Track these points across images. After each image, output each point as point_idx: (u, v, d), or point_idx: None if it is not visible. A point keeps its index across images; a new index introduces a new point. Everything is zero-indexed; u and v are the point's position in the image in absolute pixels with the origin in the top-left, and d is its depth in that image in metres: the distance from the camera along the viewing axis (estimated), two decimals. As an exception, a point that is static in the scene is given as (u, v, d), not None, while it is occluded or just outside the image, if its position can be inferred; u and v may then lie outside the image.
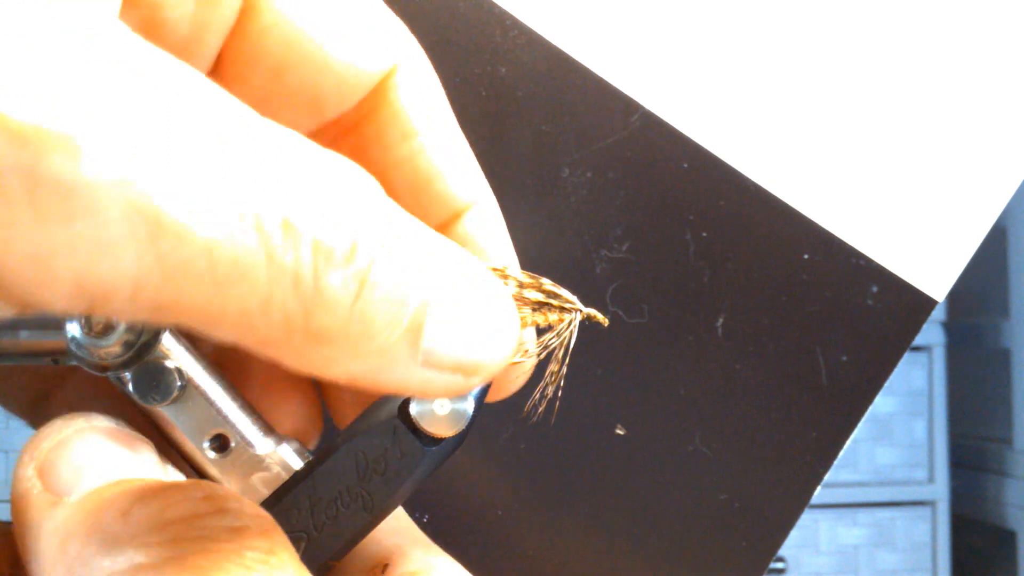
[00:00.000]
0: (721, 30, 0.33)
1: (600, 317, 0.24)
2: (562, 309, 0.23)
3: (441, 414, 0.22)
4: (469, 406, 0.22)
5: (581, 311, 0.23)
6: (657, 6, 0.33)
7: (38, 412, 0.25)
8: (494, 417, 0.32)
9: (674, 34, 0.33)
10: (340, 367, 0.18)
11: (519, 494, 0.32)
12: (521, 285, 0.23)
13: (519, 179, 0.32)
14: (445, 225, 0.25)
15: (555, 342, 0.23)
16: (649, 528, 0.33)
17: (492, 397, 0.23)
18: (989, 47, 0.33)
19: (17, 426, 1.18)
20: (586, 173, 0.32)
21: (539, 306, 0.23)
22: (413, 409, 0.22)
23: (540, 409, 0.24)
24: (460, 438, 0.23)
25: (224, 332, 0.17)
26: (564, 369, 0.24)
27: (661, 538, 0.33)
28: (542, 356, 0.24)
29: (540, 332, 0.23)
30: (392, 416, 0.22)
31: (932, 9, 0.33)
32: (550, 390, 0.24)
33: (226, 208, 0.15)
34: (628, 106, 0.32)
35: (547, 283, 0.23)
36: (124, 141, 0.14)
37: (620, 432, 0.33)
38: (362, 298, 0.17)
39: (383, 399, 0.23)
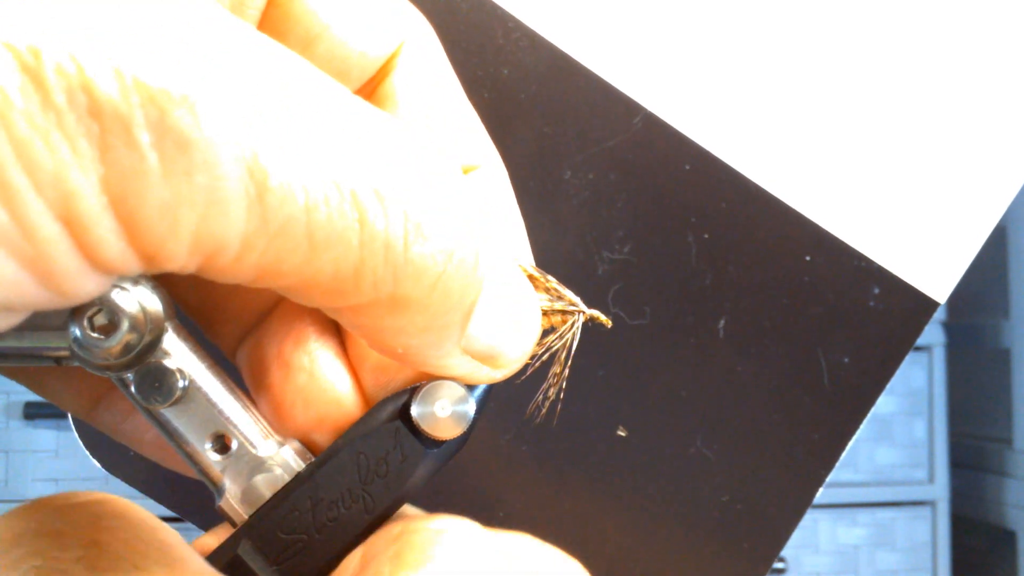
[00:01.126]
0: (723, 32, 0.33)
1: (603, 319, 0.24)
2: (564, 312, 0.23)
3: (442, 416, 0.22)
4: (471, 408, 0.22)
5: (584, 313, 0.23)
6: (659, 8, 0.33)
7: (95, 414, 0.25)
8: (496, 419, 0.32)
9: (676, 36, 0.33)
10: (406, 338, 0.20)
11: (521, 496, 0.32)
12: (532, 279, 0.23)
13: (521, 181, 0.32)
14: None
15: (558, 344, 0.23)
16: (651, 530, 0.33)
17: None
18: (989, 49, 0.33)
19: (17, 426, 1.18)
20: (588, 175, 0.32)
21: (544, 311, 0.23)
22: (415, 411, 0.22)
23: (543, 411, 0.25)
24: (462, 440, 0.23)
25: (316, 296, 0.18)
26: (566, 371, 0.24)
27: (663, 539, 0.33)
28: (545, 358, 0.24)
29: (544, 333, 0.24)
30: (394, 418, 0.22)
31: (933, 11, 0.33)
32: (552, 391, 0.24)
33: (325, 174, 0.17)
34: (630, 108, 0.32)
35: (553, 282, 0.23)
36: (239, 105, 0.16)
37: (622, 434, 0.32)
38: (447, 273, 0.19)
39: (384, 401, 0.23)
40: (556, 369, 0.24)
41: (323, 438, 0.23)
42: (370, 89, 0.24)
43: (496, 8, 0.32)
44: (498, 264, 0.21)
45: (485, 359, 0.21)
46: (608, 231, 0.33)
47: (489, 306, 0.21)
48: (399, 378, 0.24)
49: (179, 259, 0.16)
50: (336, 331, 0.24)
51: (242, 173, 0.16)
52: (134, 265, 0.16)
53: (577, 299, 0.23)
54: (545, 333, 0.24)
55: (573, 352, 0.23)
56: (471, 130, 0.25)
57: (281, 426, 0.24)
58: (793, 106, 0.33)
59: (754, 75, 0.33)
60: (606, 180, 0.32)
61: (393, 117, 0.19)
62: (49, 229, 0.15)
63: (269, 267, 0.17)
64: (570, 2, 0.32)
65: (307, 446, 0.23)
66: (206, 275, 0.17)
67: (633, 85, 0.32)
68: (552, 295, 0.23)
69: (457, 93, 0.25)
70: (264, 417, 0.24)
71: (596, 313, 0.24)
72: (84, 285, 0.16)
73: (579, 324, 0.23)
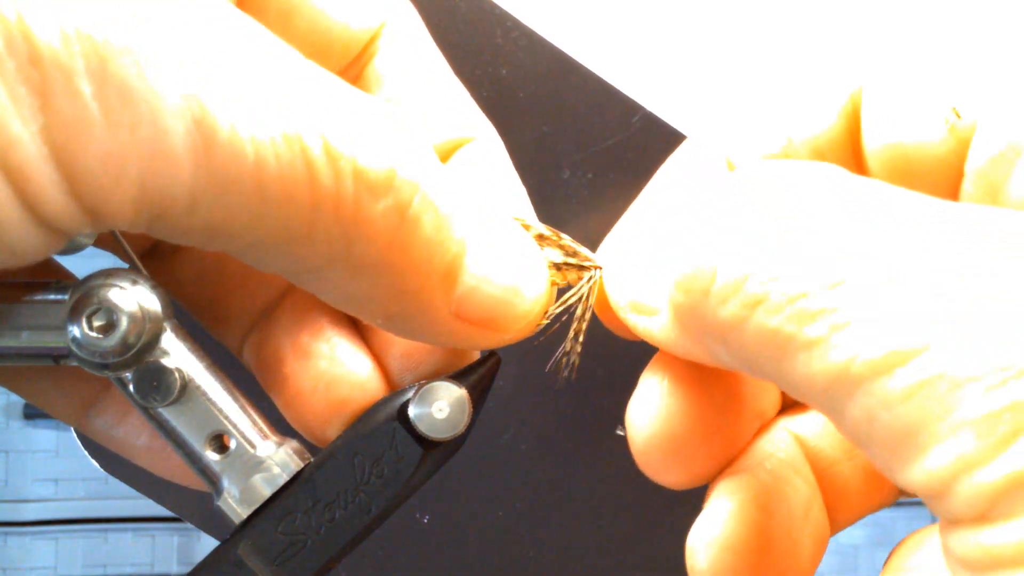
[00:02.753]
0: (721, 32, 0.33)
1: None
2: (581, 267, 0.23)
3: (440, 418, 0.22)
4: (468, 409, 0.22)
5: (600, 267, 0.23)
6: (658, 8, 0.33)
7: (85, 420, 0.25)
8: (495, 419, 0.32)
9: (675, 36, 0.33)
10: (378, 305, 0.19)
11: (519, 495, 0.32)
12: (541, 238, 0.23)
13: (521, 180, 0.32)
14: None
15: (575, 299, 0.23)
16: (650, 528, 0.33)
17: (515, 339, 0.23)
18: (990, 48, 0.33)
19: (17, 426, 1.18)
20: (587, 174, 0.32)
21: (559, 265, 0.23)
22: (412, 412, 0.22)
23: (564, 373, 0.24)
24: (458, 442, 0.23)
25: (270, 259, 0.18)
26: (584, 326, 0.23)
27: (662, 539, 0.33)
28: (564, 318, 0.23)
29: (560, 292, 0.23)
30: (392, 419, 0.22)
31: (932, 13, 0.33)
32: (572, 348, 0.24)
33: (273, 126, 0.16)
34: (629, 107, 0.32)
35: (566, 239, 0.23)
36: (185, 57, 0.16)
37: (620, 433, 0.32)
38: (402, 230, 0.18)
39: (382, 401, 0.23)
40: (576, 327, 0.24)
41: (344, 423, 0.23)
42: (356, 72, 0.24)
43: (495, 8, 0.32)
44: (492, 225, 0.20)
45: (485, 323, 0.20)
46: (607, 230, 0.33)
47: (480, 267, 0.20)
48: (427, 362, 0.23)
49: (125, 214, 0.16)
50: (351, 321, 0.24)
51: (188, 126, 0.16)
52: (79, 221, 0.16)
53: (593, 255, 0.23)
54: (562, 292, 0.23)
55: (591, 308, 0.23)
56: (462, 104, 0.25)
57: (300, 415, 0.24)
58: (792, 107, 0.33)
59: (753, 75, 0.33)
60: (605, 179, 0.32)
61: (340, 79, 0.18)
62: None
63: (219, 225, 0.17)
64: (570, 2, 0.32)
65: (326, 435, 0.23)
66: (156, 234, 0.17)
67: (632, 85, 0.32)
68: (567, 251, 0.23)
69: (443, 70, 0.25)
70: (283, 408, 0.24)
71: None
72: (30, 240, 0.16)
73: (596, 278, 0.23)
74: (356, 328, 0.24)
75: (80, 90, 0.15)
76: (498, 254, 0.20)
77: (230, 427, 0.22)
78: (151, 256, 0.25)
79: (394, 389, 0.24)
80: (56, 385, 0.25)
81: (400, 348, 0.24)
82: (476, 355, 0.24)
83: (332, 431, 0.23)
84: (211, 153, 0.16)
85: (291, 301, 0.24)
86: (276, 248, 0.17)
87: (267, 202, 0.17)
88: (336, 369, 0.23)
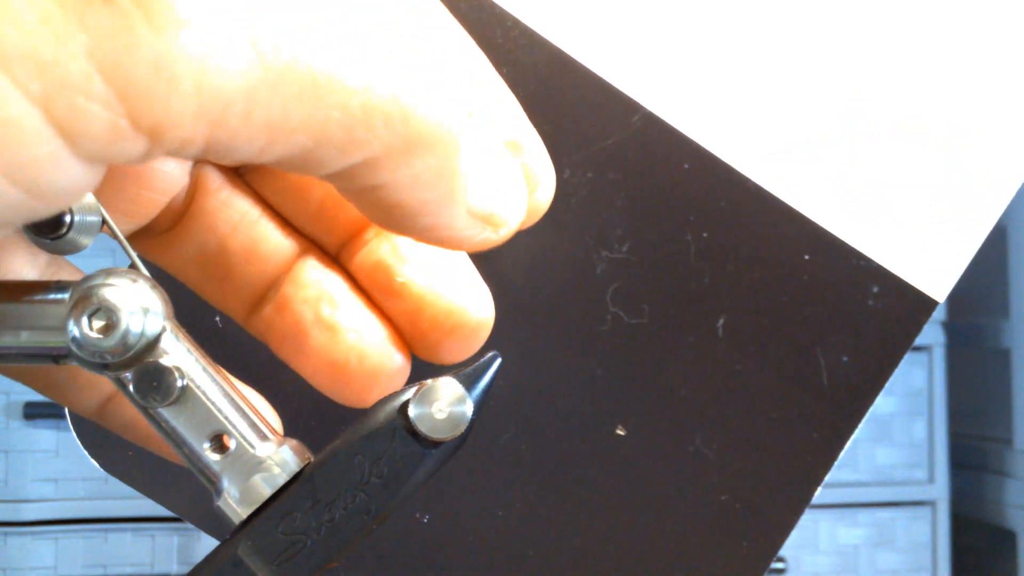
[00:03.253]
0: (722, 31, 0.33)
1: None
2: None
3: (440, 417, 0.22)
4: (468, 409, 0.22)
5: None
6: (658, 6, 0.33)
7: (103, 412, 0.25)
8: (495, 419, 0.32)
9: (675, 35, 0.33)
10: (422, 190, 0.20)
11: (519, 495, 0.32)
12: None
13: (520, 180, 0.32)
14: None
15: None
16: (649, 529, 0.33)
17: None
18: (990, 48, 0.33)
19: (17, 426, 1.18)
20: (587, 174, 0.32)
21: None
22: (412, 412, 0.22)
23: None
24: (460, 441, 0.23)
25: (331, 155, 0.18)
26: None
27: (661, 539, 0.33)
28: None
29: None
30: (392, 419, 0.22)
31: (933, 10, 0.33)
32: None
33: (319, 17, 0.17)
34: (629, 107, 0.32)
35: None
36: None
37: (620, 433, 0.32)
38: (451, 104, 0.19)
39: (382, 401, 0.23)
40: None
41: (383, 391, 0.24)
42: None
43: (495, 7, 0.32)
44: (484, 123, 0.21)
45: (487, 218, 0.21)
46: (606, 230, 0.33)
47: (486, 163, 0.21)
48: (432, 334, 0.24)
49: (186, 125, 0.16)
50: (364, 294, 0.25)
51: (231, 23, 0.16)
52: (132, 141, 0.16)
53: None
54: None
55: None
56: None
57: (335, 386, 0.24)
58: (792, 105, 0.33)
59: (753, 74, 0.33)
60: (605, 179, 0.32)
61: None
62: (18, 108, 0.14)
63: (279, 123, 0.17)
64: (569, 1, 0.32)
65: (367, 401, 0.24)
66: (215, 154, 0.17)
67: (632, 84, 0.32)
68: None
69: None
70: (312, 377, 0.24)
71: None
72: (70, 176, 0.16)
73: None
74: (376, 303, 0.25)
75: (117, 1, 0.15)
76: (499, 151, 0.22)
77: (230, 427, 0.22)
78: (146, 234, 0.25)
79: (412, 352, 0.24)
80: (72, 378, 0.25)
81: (407, 320, 0.24)
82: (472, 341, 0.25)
83: (374, 397, 0.24)
84: (258, 47, 0.16)
85: (302, 274, 0.25)
86: (336, 137, 0.18)
87: (320, 89, 0.17)
88: (366, 340, 0.24)
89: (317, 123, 0.17)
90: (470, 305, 0.24)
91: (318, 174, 0.19)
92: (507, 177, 0.22)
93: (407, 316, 0.24)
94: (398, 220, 0.21)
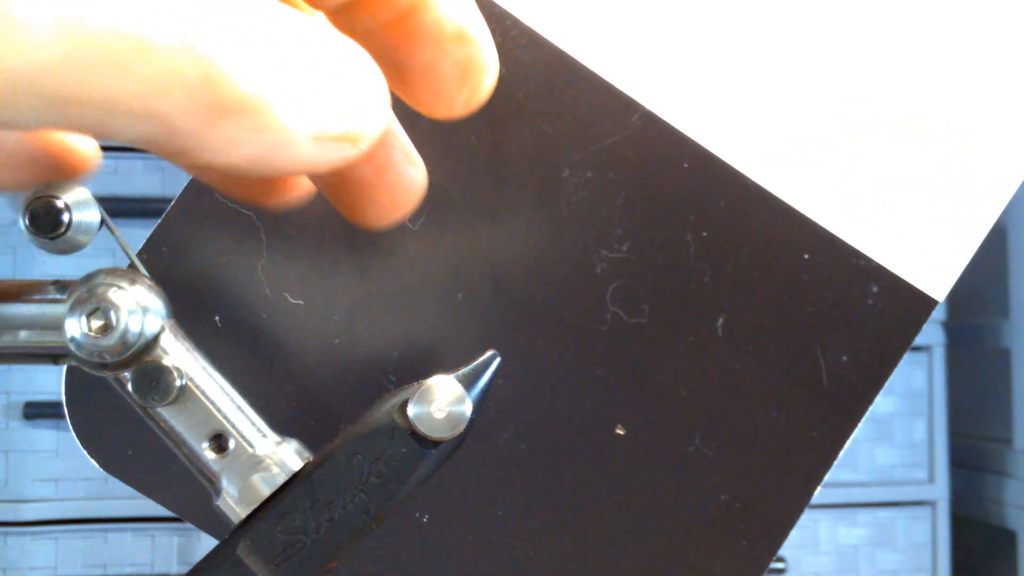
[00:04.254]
0: (721, 30, 0.33)
1: None
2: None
3: (439, 417, 0.22)
4: (468, 409, 0.22)
5: None
6: (658, 6, 0.33)
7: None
8: (494, 418, 0.32)
9: (674, 34, 0.33)
10: (242, 148, 0.18)
11: (519, 494, 0.32)
12: None
13: (519, 180, 0.32)
14: None
15: None
16: (649, 528, 0.33)
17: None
18: (990, 48, 0.33)
19: (17, 426, 1.18)
20: (586, 173, 0.32)
21: None
22: (411, 412, 0.22)
23: None
24: (459, 440, 0.23)
25: (128, 122, 0.17)
26: None
27: (661, 538, 0.33)
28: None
29: None
30: (391, 419, 0.22)
31: (932, 10, 0.33)
32: None
33: None
34: (628, 106, 0.32)
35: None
36: None
37: (620, 432, 0.32)
38: (272, 70, 0.18)
39: (381, 400, 0.23)
40: None
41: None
42: None
43: (494, 7, 0.32)
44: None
45: (340, 138, 0.20)
46: (606, 229, 0.33)
47: (322, 87, 0.19)
48: None
49: None
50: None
51: None
52: None
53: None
54: None
55: None
56: None
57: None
58: (792, 105, 0.33)
59: (753, 73, 0.33)
60: (604, 178, 0.32)
61: None
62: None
63: (73, 93, 0.16)
64: (569, 1, 0.32)
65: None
66: (5, 116, 0.16)
67: (631, 83, 0.32)
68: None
69: None
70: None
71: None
72: None
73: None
74: None
75: None
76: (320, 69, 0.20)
77: (229, 427, 0.22)
78: None
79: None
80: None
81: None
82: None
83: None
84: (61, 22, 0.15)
85: None
86: (135, 105, 0.17)
87: (122, 58, 0.16)
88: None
89: (114, 95, 0.16)
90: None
91: (114, 140, 0.18)
92: (352, 92, 0.20)
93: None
94: (234, 178, 0.20)
